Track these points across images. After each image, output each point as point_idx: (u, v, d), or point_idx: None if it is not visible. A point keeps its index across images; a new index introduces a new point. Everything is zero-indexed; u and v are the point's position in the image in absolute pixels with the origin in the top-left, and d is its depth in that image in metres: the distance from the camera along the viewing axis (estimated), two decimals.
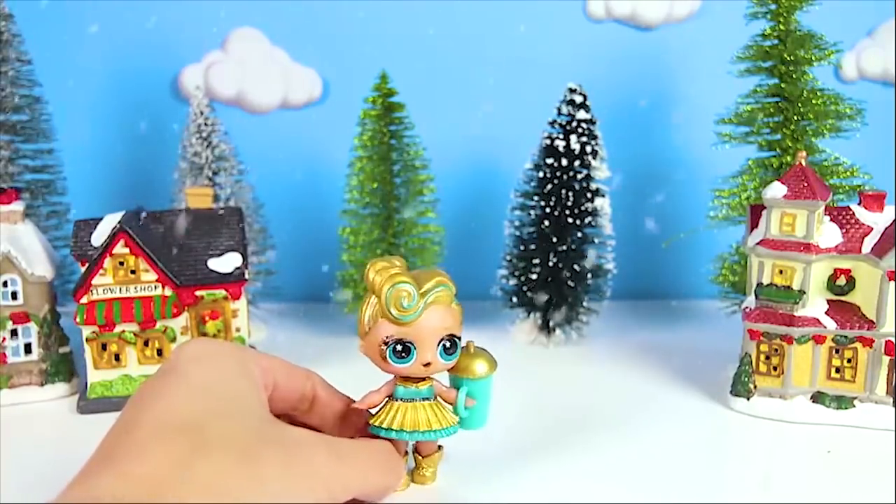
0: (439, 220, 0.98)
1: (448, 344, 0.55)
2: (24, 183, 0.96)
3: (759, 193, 0.85)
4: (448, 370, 0.58)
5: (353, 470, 0.51)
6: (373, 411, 0.57)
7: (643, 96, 1.12)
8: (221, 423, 0.45)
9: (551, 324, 0.94)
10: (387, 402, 0.57)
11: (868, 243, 0.71)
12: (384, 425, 0.56)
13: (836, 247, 0.72)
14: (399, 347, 0.54)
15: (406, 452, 0.58)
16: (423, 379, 0.57)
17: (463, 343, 0.58)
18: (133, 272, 0.74)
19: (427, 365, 0.55)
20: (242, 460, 0.43)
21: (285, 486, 0.45)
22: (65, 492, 0.41)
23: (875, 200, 0.73)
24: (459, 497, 0.58)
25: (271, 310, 1.01)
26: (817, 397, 0.73)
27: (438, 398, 0.58)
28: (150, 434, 0.43)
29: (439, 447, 0.59)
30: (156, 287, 0.75)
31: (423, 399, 0.57)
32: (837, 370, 0.72)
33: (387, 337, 0.54)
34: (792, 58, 0.88)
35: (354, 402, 0.58)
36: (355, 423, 0.58)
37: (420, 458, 0.59)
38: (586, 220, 0.93)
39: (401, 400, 0.56)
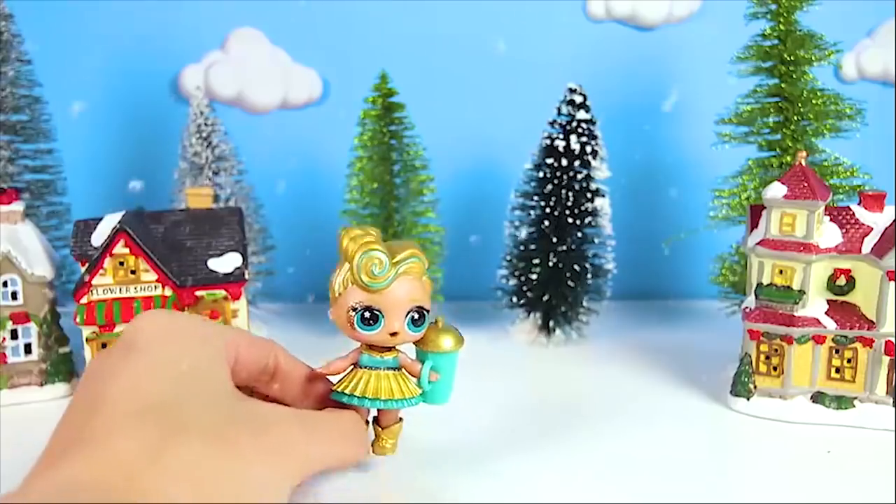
0: (439, 220, 0.98)
1: (416, 315, 0.55)
2: (24, 183, 0.96)
3: (759, 193, 0.85)
4: (415, 343, 0.58)
5: (323, 444, 0.51)
6: (335, 378, 0.58)
7: (643, 96, 1.12)
8: (192, 403, 0.44)
9: (551, 324, 0.94)
10: (351, 369, 0.57)
11: (868, 243, 0.71)
12: (346, 391, 0.56)
13: (836, 247, 0.72)
14: (367, 314, 0.54)
15: (367, 423, 0.59)
16: (390, 349, 0.57)
17: (432, 318, 0.58)
18: (133, 272, 0.74)
19: (394, 334, 0.55)
20: (218, 442, 0.43)
21: (262, 465, 0.44)
22: (34, 476, 0.40)
23: (875, 200, 0.73)
24: (457, 496, 0.58)
25: (271, 310, 1.01)
26: (817, 397, 0.73)
27: (403, 369, 0.58)
28: (120, 415, 0.42)
29: (400, 419, 0.59)
30: (156, 287, 0.75)
31: (388, 368, 0.57)
32: (837, 370, 0.72)
33: (356, 303, 0.54)
34: (792, 58, 0.88)
35: (317, 370, 0.58)
36: (317, 392, 0.58)
37: (380, 429, 0.59)
38: (586, 220, 0.93)
39: (365, 368, 0.57)
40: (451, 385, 0.60)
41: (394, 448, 0.60)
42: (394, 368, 0.57)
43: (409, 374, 0.58)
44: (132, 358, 0.46)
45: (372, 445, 0.59)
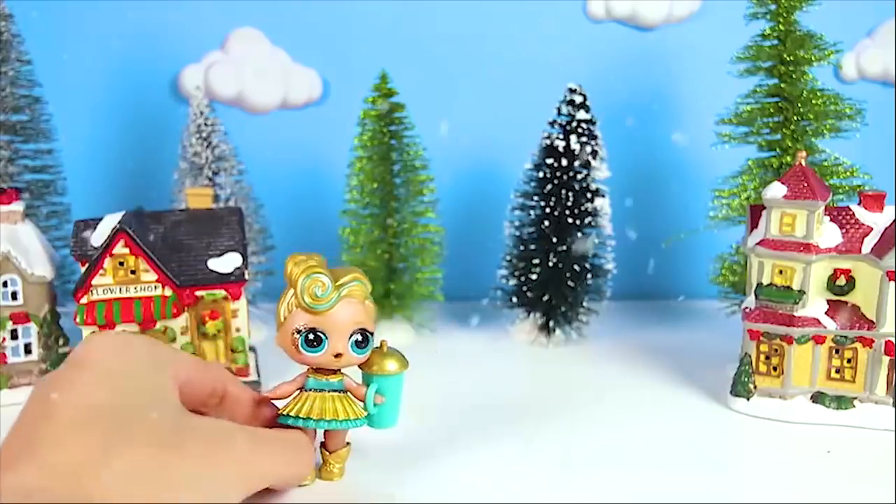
0: (439, 220, 0.98)
1: (360, 338, 0.56)
2: (24, 183, 0.96)
3: (759, 193, 0.85)
4: (360, 367, 0.59)
5: (269, 459, 0.52)
6: (282, 403, 0.58)
7: (643, 96, 1.12)
8: (139, 413, 0.45)
9: (551, 324, 0.94)
10: (298, 393, 0.58)
11: (868, 243, 0.71)
12: (293, 413, 0.57)
13: (836, 247, 0.72)
14: (311, 336, 0.55)
15: (314, 448, 0.59)
16: (335, 372, 0.58)
17: (377, 342, 0.59)
18: (133, 272, 0.74)
19: (338, 356, 0.56)
20: (164, 450, 0.43)
21: (207, 475, 0.45)
22: None
23: (875, 200, 0.73)
24: (458, 495, 0.58)
25: (271, 310, 1.00)
26: (817, 397, 0.73)
27: (349, 392, 0.58)
28: (68, 424, 0.43)
29: (347, 443, 0.60)
30: (156, 287, 0.75)
31: (333, 391, 0.58)
32: (837, 370, 0.72)
33: (300, 325, 0.55)
34: (792, 58, 0.88)
35: (264, 394, 0.59)
36: (265, 416, 0.59)
37: (328, 453, 0.59)
38: (586, 220, 0.93)
39: (311, 390, 0.58)
40: (397, 408, 0.60)
41: (341, 473, 0.60)
42: (339, 391, 0.58)
43: (355, 396, 0.59)
44: (81, 371, 0.47)
45: (319, 470, 0.60)
